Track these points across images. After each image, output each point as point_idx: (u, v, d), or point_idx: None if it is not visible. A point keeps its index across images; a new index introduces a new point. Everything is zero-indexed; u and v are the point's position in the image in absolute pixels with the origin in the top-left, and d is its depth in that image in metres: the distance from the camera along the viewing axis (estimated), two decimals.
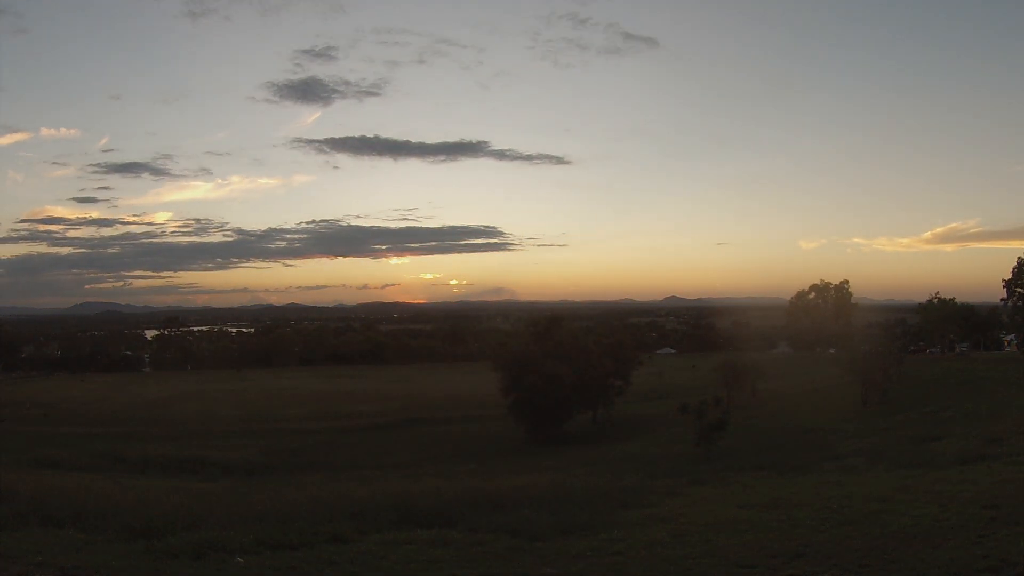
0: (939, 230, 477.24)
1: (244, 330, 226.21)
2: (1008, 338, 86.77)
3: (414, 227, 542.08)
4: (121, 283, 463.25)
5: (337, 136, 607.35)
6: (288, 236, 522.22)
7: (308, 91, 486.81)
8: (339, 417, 53.38)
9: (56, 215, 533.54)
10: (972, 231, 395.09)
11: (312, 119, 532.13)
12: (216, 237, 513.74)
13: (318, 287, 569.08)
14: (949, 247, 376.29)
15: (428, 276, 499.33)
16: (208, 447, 38.14)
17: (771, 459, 22.73)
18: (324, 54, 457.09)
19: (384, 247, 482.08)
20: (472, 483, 20.26)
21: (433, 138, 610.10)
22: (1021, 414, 27.25)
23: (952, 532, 9.88)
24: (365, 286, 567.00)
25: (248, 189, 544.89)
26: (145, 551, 10.31)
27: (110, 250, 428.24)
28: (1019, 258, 72.94)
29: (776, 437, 29.01)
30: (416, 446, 39.11)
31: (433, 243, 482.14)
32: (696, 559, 9.34)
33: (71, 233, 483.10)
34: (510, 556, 9.98)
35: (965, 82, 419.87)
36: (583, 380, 43.00)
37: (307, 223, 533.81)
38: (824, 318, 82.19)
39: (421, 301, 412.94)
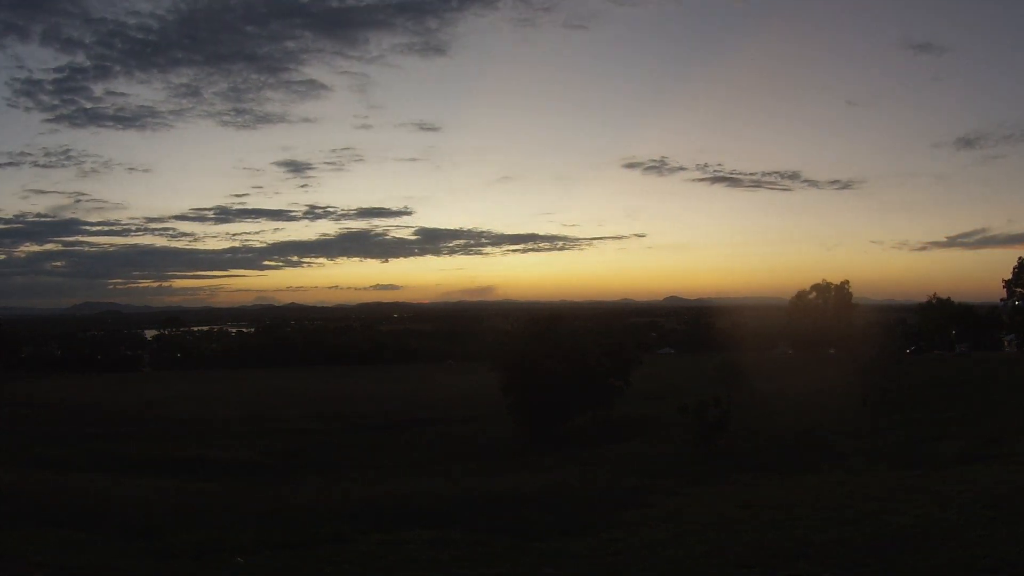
0: (957, 232, 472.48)
1: (244, 330, 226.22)
2: (1008, 338, 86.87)
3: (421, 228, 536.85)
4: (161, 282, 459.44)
5: None
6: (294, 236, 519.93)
7: None
8: (339, 417, 53.27)
9: None
10: (990, 233, 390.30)
11: None
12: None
13: (331, 287, 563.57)
14: (963, 248, 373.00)
15: (439, 275, 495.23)
16: (208, 447, 38.07)
17: (771, 459, 22.72)
18: None
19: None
20: (472, 483, 20.27)
21: None
22: (1021, 414, 27.25)
23: (952, 532, 9.88)
24: (393, 286, 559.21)
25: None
26: (145, 551, 10.32)
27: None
28: (1020, 258, 73.27)
29: (776, 437, 28.97)
30: (416, 446, 39.06)
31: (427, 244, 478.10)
32: (696, 559, 9.34)
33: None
34: (510, 556, 9.98)
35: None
36: (583, 380, 42.96)
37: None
38: (824, 318, 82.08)
39: (424, 301, 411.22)
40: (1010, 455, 18.02)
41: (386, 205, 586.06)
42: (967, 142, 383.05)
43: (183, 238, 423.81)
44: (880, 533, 10.17)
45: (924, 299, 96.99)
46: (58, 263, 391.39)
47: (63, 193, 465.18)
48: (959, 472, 15.93)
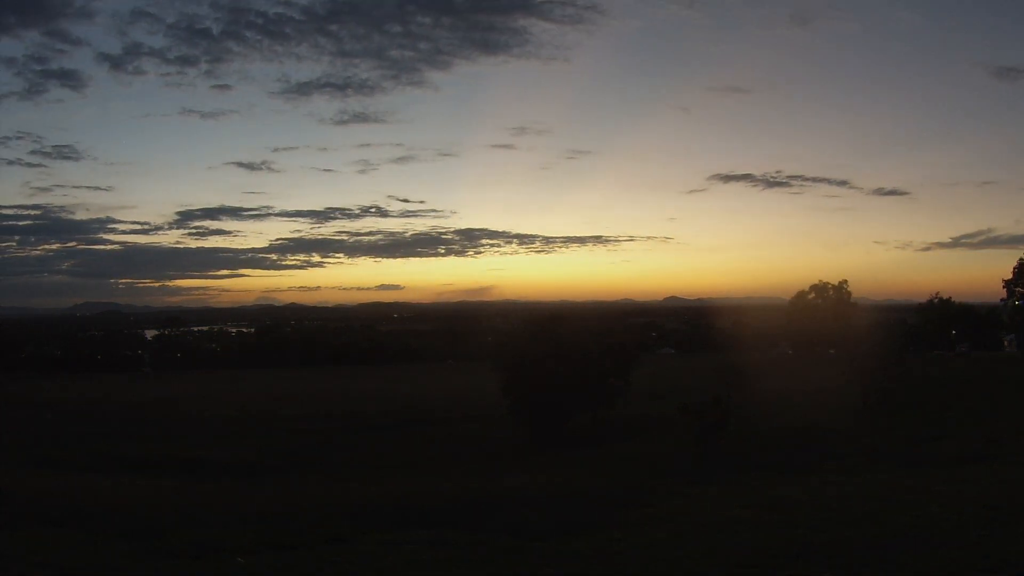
0: (961, 233, 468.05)
1: (244, 330, 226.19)
2: (1008, 338, 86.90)
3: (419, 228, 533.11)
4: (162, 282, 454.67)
5: None
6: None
7: None
8: (339, 417, 53.32)
9: None
10: (994, 234, 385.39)
11: None
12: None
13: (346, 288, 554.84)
14: (967, 248, 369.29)
15: (445, 275, 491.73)
16: (208, 447, 38.11)
17: (771, 459, 22.71)
18: None
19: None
20: (472, 483, 20.27)
21: None
22: (1021, 414, 27.26)
23: (952, 532, 9.88)
24: (396, 286, 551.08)
25: None
26: (145, 551, 10.34)
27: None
28: (1020, 259, 73.37)
29: (776, 437, 28.98)
30: (416, 446, 39.08)
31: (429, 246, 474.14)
32: (696, 559, 9.34)
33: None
34: (510, 556, 9.98)
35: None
36: (583, 380, 42.99)
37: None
38: (824, 318, 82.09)
39: (424, 301, 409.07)
40: (1010, 455, 18.03)
41: (437, 207, 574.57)
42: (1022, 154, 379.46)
43: (210, 237, 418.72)
44: (880, 533, 10.17)
45: (925, 299, 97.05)
46: (70, 262, 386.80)
47: (102, 189, 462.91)
48: (959, 472, 15.93)
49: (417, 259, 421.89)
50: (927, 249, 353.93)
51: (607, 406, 44.38)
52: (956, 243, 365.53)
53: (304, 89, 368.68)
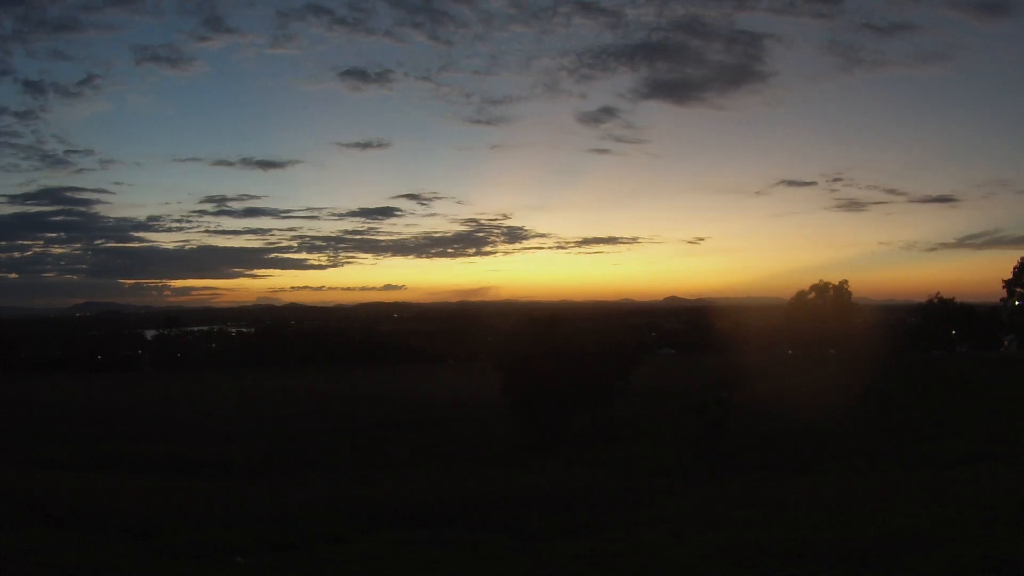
0: (965, 233, 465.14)
1: (244, 330, 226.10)
2: (1008, 338, 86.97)
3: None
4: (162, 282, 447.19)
5: None
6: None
7: None
8: (339, 417, 53.31)
9: None
10: (998, 235, 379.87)
11: None
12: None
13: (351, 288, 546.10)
14: (971, 249, 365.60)
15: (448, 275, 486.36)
16: (208, 447, 38.08)
17: (771, 459, 22.73)
18: None
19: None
20: (472, 483, 20.29)
21: None
22: (1021, 414, 27.27)
23: (952, 532, 9.88)
24: (402, 286, 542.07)
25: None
26: (145, 551, 10.34)
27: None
28: (1021, 258, 73.49)
29: (776, 437, 28.99)
30: (416, 446, 39.07)
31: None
32: (696, 559, 9.34)
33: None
34: (510, 556, 9.99)
35: None
36: (583, 380, 43.00)
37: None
38: (824, 318, 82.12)
39: (423, 301, 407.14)
40: (1010, 455, 18.04)
41: (488, 208, 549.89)
42: None
43: (242, 236, 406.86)
44: (880, 533, 10.17)
45: (926, 299, 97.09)
46: (88, 263, 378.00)
47: (157, 186, 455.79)
48: (959, 472, 15.94)
49: (422, 259, 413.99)
50: (932, 249, 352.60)
51: (607, 406, 44.38)
52: (960, 243, 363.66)
53: (430, 94, 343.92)
